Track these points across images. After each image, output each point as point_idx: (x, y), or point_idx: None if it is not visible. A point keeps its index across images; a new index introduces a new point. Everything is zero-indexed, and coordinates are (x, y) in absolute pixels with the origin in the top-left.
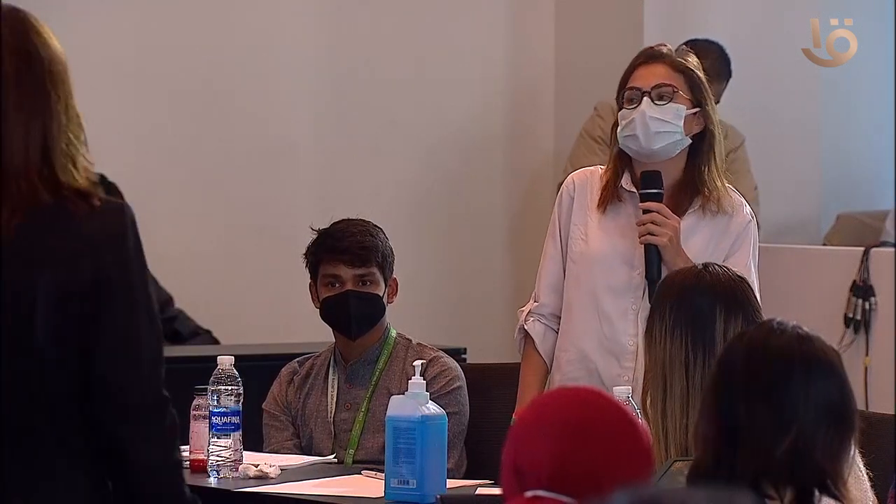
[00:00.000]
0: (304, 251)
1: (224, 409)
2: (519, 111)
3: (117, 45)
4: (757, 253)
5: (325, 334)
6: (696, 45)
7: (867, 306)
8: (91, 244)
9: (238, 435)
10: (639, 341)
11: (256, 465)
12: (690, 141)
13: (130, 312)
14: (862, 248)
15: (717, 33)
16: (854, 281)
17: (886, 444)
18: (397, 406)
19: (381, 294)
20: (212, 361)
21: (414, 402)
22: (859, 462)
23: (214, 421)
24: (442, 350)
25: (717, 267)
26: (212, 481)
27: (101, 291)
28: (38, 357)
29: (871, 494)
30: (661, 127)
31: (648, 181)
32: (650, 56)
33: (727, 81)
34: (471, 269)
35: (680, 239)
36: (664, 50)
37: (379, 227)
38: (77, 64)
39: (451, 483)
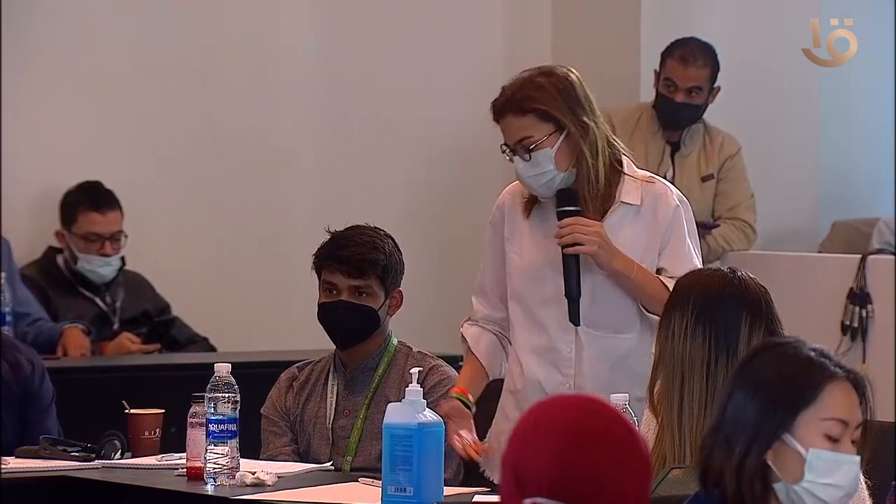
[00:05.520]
0: (300, 258)
1: (221, 417)
2: None
3: (114, 53)
4: (695, 233)
5: (322, 342)
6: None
7: (864, 314)
8: None
9: (235, 442)
10: (574, 347)
11: (253, 473)
12: (571, 171)
13: None
14: (859, 256)
15: (716, 34)
16: (851, 288)
17: (885, 453)
18: (394, 413)
19: (376, 307)
20: (209, 369)
21: (411, 410)
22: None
23: (211, 428)
24: (442, 358)
25: (745, 273)
26: (209, 489)
27: None
28: None
29: (869, 502)
30: (539, 179)
31: (563, 199)
32: (497, 111)
33: (716, 73)
34: (470, 277)
35: (608, 240)
36: (505, 98)
37: (389, 238)
38: (74, 71)
39: (448, 491)
